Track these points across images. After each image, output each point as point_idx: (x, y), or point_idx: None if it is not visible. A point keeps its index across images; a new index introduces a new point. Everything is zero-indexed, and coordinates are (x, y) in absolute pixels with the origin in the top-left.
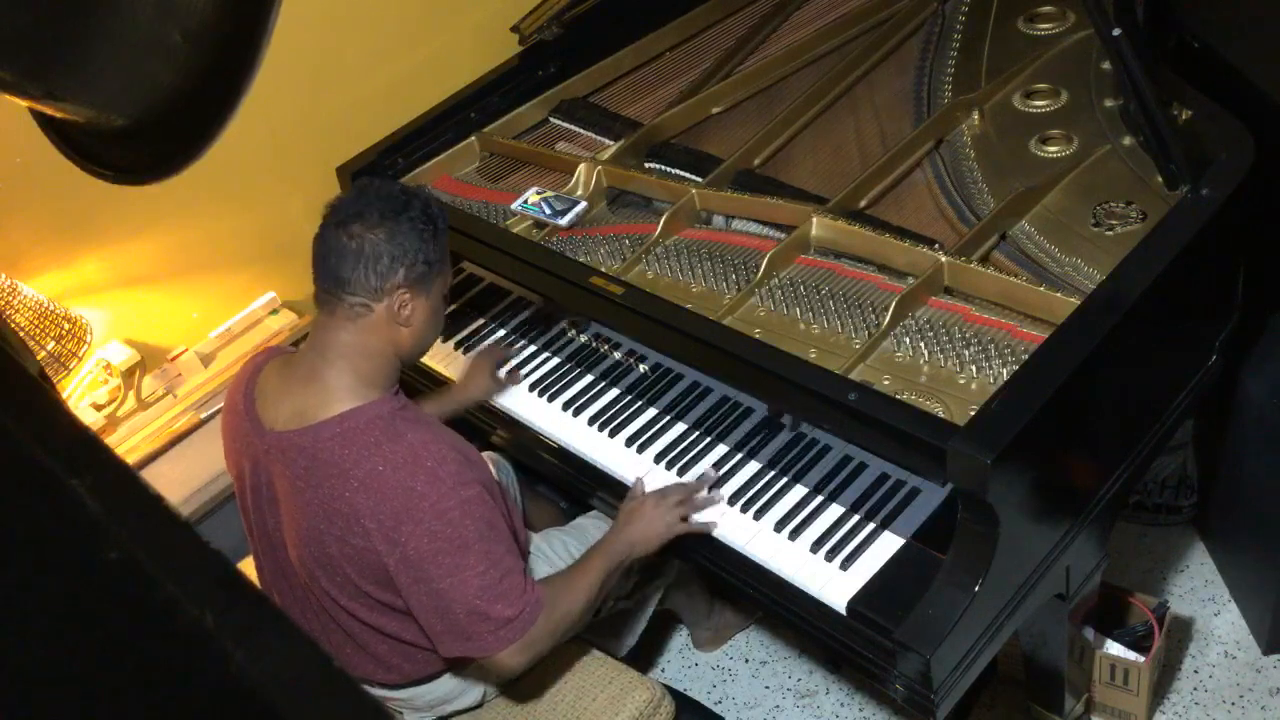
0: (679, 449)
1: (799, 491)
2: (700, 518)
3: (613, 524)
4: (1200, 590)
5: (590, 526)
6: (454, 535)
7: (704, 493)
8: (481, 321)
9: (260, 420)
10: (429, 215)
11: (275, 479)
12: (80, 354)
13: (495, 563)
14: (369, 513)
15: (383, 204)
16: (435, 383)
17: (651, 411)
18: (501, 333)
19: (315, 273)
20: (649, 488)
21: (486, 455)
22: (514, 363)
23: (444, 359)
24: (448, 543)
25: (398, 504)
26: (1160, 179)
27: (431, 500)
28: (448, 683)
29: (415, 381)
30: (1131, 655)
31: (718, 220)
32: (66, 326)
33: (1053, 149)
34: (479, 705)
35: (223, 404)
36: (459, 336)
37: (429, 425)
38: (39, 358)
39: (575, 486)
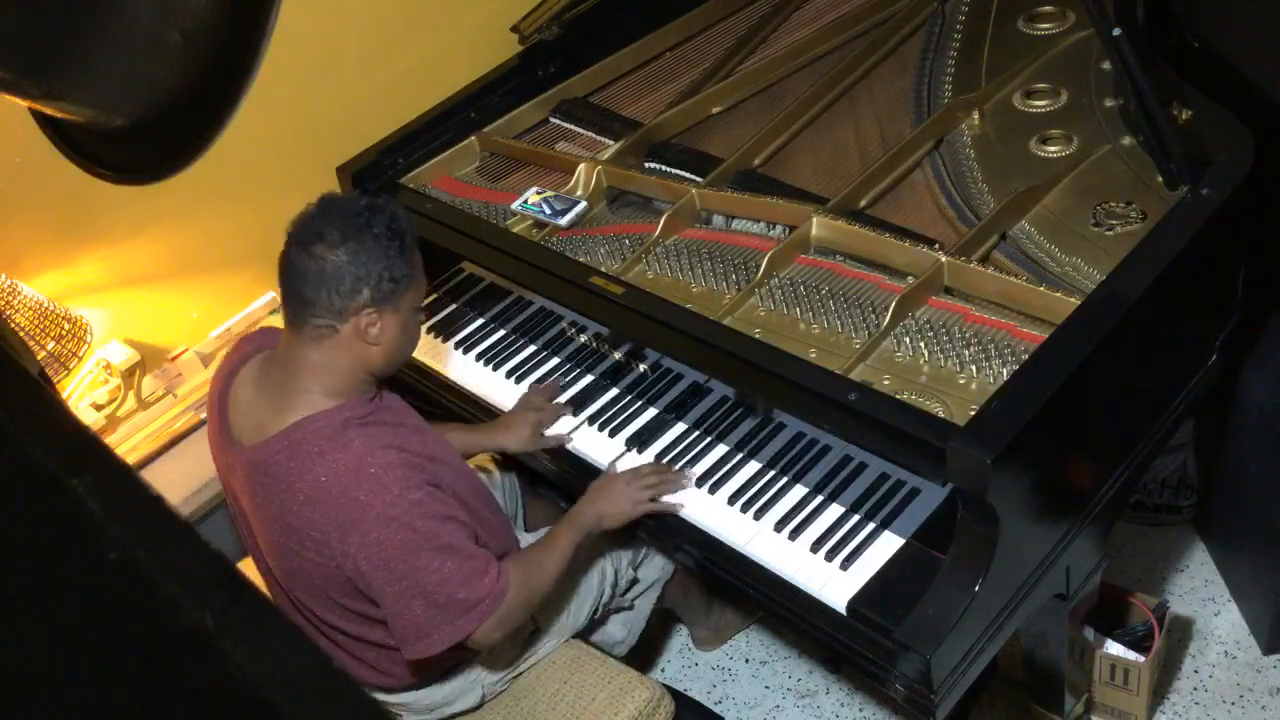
0: (679, 449)
1: (799, 491)
2: (670, 499)
3: (582, 497)
4: (1200, 590)
5: None
6: (405, 540)
7: (674, 474)
8: (482, 321)
9: (230, 432)
10: (394, 230)
11: (240, 494)
12: (80, 354)
13: (453, 553)
14: (319, 525)
15: (345, 222)
16: (466, 399)
17: (651, 411)
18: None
19: (281, 293)
20: (620, 470)
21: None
22: (561, 429)
23: (431, 352)
24: (400, 549)
25: (343, 515)
26: (1160, 179)
27: (377, 510)
28: (446, 685)
29: (460, 407)
30: (1131, 655)
31: (718, 220)
32: (66, 326)
33: (1053, 149)
34: (478, 706)
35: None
36: (459, 336)
37: (384, 428)
38: (39, 358)
39: (575, 486)
